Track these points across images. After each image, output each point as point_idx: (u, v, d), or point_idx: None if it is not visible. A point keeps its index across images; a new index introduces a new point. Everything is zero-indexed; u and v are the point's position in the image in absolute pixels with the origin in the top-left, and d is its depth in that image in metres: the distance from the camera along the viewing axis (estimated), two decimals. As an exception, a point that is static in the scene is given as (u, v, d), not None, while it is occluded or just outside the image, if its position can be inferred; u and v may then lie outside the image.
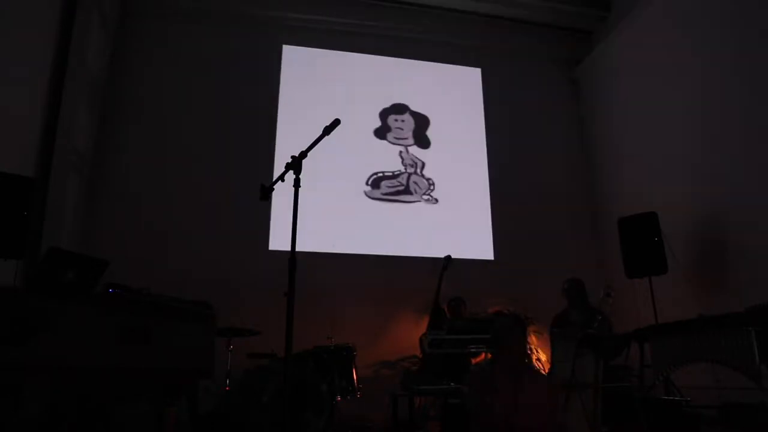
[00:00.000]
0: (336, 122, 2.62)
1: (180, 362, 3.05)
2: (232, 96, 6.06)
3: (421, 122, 6.55)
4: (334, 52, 6.54)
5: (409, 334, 5.41)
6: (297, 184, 2.58)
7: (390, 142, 6.37)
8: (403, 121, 6.47)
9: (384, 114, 6.47)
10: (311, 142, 2.62)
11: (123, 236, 5.21)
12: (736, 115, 4.61)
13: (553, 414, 2.53)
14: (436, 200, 6.25)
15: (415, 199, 6.22)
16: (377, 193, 6.12)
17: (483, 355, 4.69)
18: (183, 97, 5.92)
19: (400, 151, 6.34)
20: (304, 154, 2.58)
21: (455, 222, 6.23)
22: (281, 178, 2.57)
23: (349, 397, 4.34)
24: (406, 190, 6.22)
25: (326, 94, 6.30)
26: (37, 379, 2.27)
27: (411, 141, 6.43)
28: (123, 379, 2.73)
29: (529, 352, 5.28)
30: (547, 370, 4.80)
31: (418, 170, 6.32)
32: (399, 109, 6.50)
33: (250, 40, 6.30)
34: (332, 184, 5.93)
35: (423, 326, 5.23)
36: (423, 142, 6.48)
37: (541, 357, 5.39)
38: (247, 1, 6.33)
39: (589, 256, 6.31)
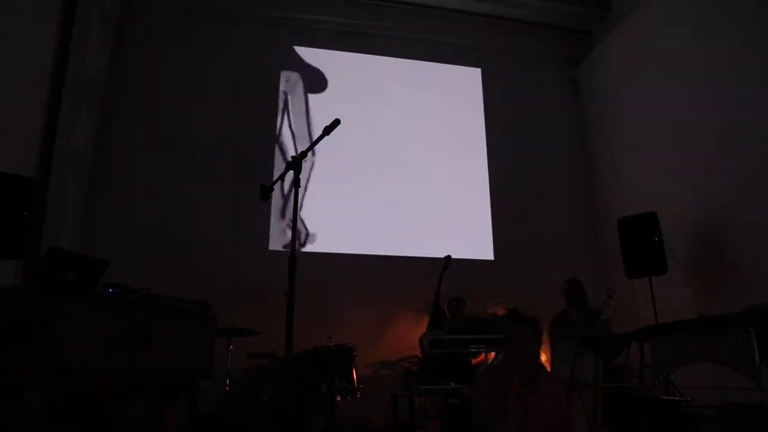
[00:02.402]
0: (336, 122, 2.62)
1: (180, 362, 3.05)
2: (232, 96, 6.05)
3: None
4: (335, 52, 6.54)
5: (409, 334, 5.42)
6: (297, 184, 2.58)
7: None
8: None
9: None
10: (311, 142, 2.62)
11: (123, 236, 5.21)
12: (736, 115, 4.61)
13: (563, 418, 2.49)
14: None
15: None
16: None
17: (483, 355, 4.69)
18: (183, 97, 5.92)
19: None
20: (304, 154, 2.58)
21: (455, 222, 6.23)
22: (281, 178, 2.58)
23: (349, 397, 4.34)
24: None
25: (327, 95, 6.30)
26: (37, 379, 2.27)
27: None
28: (123, 379, 2.73)
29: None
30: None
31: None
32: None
33: (250, 40, 6.30)
34: (332, 184, 5.94)
35: (423, 326, 5.23)
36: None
37: (541, 357, 5.39)
38: (248, 1, 6.33)
39: (589, 256, 6.31)
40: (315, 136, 2.64)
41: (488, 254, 6.23)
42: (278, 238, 5.65)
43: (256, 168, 5.71)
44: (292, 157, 2.57)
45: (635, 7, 6.00)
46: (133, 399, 3.07)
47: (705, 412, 3.66)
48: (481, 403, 2.54)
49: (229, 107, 6.01)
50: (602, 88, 6.72)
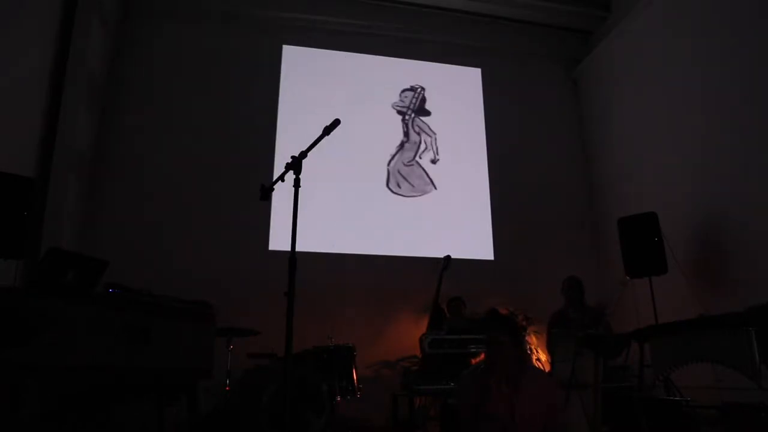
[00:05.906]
0: (336, 122, 2.62)
1: (180, 362, 3.05)
2: (232, 96, 6.06)
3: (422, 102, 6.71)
4: (335, 52, 6.54)
5: (409, 334, 5.41)
6: (297, 184, 2.58)
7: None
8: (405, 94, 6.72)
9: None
10: (311, 142, 2.62)
11: (123, 236, 5.21)
12: (735, 115, 4.61)
13: (553, 414, 2.49)
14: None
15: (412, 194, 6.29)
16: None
17: (483, 355, 4.69)
18: (183, 98, 5.92)
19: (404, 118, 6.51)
20: (304, 154, 2.58)
21: (455, 222, 6.23)
22: (281, 178, 2.57)
23: (349, 397, 4.34)
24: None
25: (327, 95, 6.30)
26: (37, 379, 2.27)
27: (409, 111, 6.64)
28: (123, 378, 2.72)
29: (528, 352, 5.28)
30: (547, 370, 4.80)
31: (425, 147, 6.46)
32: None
33: (250, 40, 6.30)
34: (332, 184, 5.94)
35: (423, 326, 5.23)
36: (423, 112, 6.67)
37: (541, 357, 5.39)
38: (247, 1, 6.33)
39: (589, 256, 6.31)
40: (315, 136, 2.63)
41: (488, 254, 6.23)
42: (278, 238, 5.65)
43: (256, 168, 5.71)
44: (292, 157, 2.57)
45: (635, 8, 6.00)
46: (133, 399, 3.07)
47: (705, 412, 3.66)
48: (464, 406, 2.53)
49: (230, 106, 6.01)
50: (602, 87, 6.72)
